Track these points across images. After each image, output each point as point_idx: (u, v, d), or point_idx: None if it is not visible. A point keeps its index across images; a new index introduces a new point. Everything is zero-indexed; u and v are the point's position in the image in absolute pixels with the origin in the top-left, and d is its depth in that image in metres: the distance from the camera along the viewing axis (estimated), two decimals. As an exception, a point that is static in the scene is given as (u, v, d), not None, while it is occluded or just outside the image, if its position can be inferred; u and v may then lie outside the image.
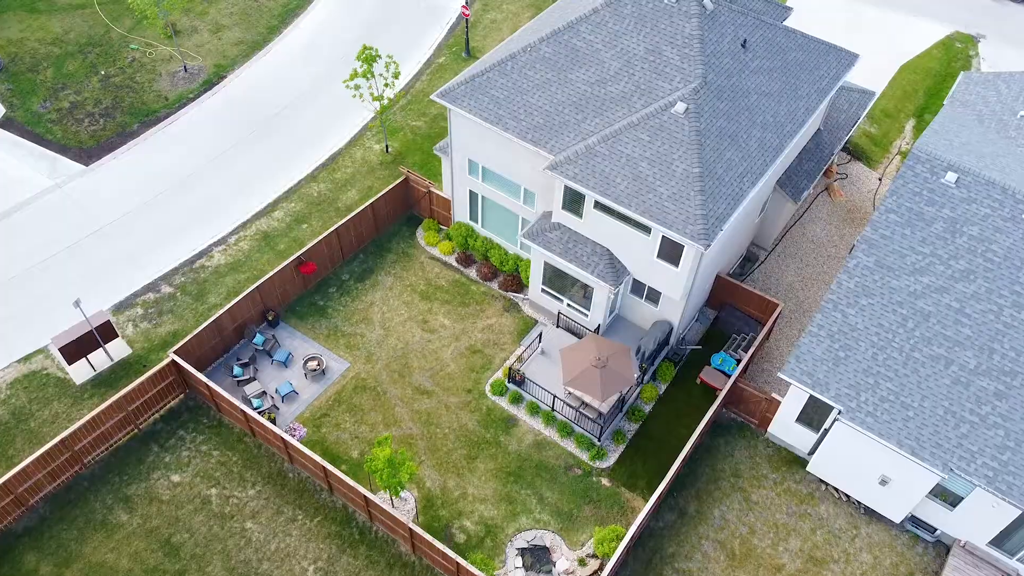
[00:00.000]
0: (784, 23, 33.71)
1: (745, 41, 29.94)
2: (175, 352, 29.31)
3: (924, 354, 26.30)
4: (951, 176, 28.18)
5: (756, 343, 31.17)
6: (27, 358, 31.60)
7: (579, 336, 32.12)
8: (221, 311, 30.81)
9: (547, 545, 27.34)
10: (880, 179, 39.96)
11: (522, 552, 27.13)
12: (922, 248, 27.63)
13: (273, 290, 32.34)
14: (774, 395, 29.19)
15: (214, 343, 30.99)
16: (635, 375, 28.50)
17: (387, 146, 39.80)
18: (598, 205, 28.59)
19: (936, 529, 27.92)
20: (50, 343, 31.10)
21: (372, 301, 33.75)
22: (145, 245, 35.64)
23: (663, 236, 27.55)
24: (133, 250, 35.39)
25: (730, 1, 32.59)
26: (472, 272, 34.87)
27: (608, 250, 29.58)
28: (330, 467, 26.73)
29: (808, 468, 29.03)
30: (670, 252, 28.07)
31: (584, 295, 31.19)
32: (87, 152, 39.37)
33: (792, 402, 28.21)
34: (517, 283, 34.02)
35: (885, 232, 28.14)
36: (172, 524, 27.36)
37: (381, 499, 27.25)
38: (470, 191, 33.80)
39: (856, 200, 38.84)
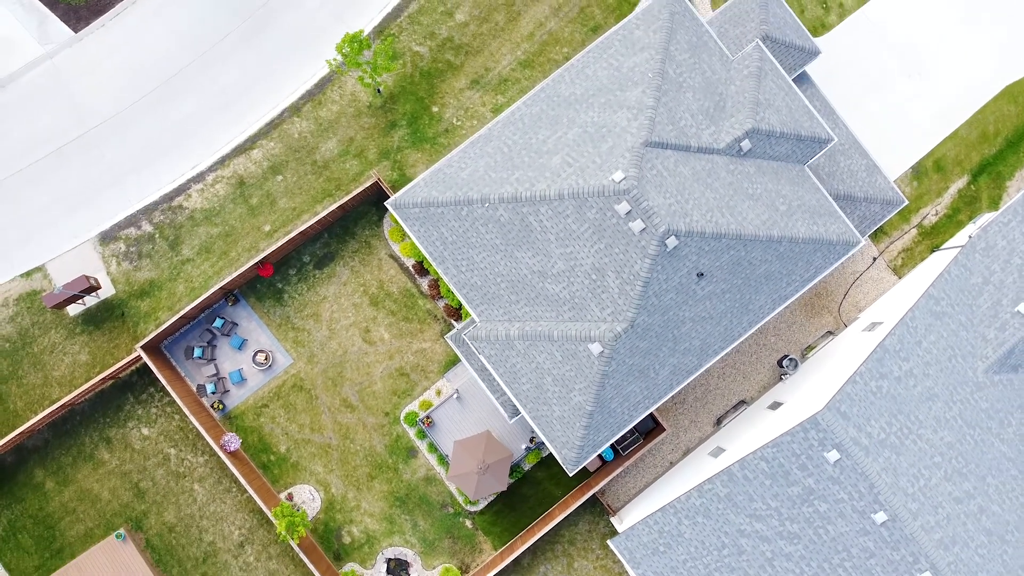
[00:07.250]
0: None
1: (702, 273, 27.84)
2: (143, 348, 34.53)
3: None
4: (833, 455, 29.59)
5: (638, 451, 35.61)
6: (28, 274, 36.65)
7: (492, 390, 36.33)
8: (188, 306, 34.90)
9: (408, 560, 36.61)
10: (875, 259, 37.75)
11: (388, 560, 36.52)
12: (771, 501, 30.70)
13: (236, 279, 35.50)
14: (612, 521, 35.16)
15: (178, 323, 35.70)
16: (507, 483, 34.22)
17: (378, 88, 37.07)
18: (507, 375, 30.66)
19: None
20: (46, 264, 36.13)
21: (325, 296, 36.82)
22: (128, 161, 37.01)
23: (550, 428, 30.54)
24: (117, 165, 36.95)
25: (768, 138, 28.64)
26: (424, 284, 36.91)
27: (514, 389, 32.36)
28: (250, 490, 34.51)
29: (627, 558, 36.51)
30: (555, 433, 31.25)
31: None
32: (75, 11, 37.16)
33: (624, 536, 34.44)
34: (458, 314, 36.53)
35: (749, 475, 30.77)
36: (141, 471, 36.30)
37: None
38: (427, 238, 34.12)
39: (829, 284, 37.57)
